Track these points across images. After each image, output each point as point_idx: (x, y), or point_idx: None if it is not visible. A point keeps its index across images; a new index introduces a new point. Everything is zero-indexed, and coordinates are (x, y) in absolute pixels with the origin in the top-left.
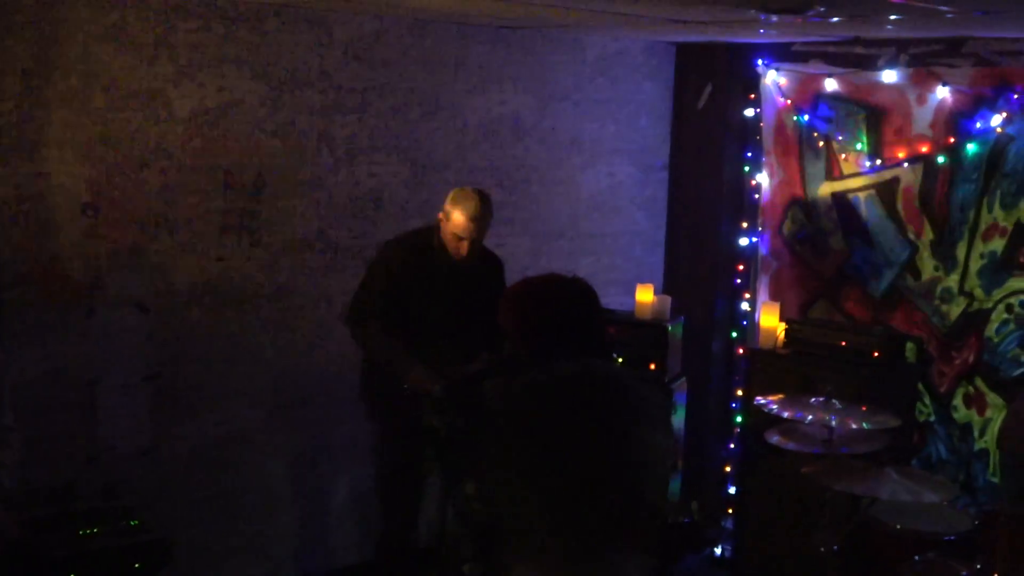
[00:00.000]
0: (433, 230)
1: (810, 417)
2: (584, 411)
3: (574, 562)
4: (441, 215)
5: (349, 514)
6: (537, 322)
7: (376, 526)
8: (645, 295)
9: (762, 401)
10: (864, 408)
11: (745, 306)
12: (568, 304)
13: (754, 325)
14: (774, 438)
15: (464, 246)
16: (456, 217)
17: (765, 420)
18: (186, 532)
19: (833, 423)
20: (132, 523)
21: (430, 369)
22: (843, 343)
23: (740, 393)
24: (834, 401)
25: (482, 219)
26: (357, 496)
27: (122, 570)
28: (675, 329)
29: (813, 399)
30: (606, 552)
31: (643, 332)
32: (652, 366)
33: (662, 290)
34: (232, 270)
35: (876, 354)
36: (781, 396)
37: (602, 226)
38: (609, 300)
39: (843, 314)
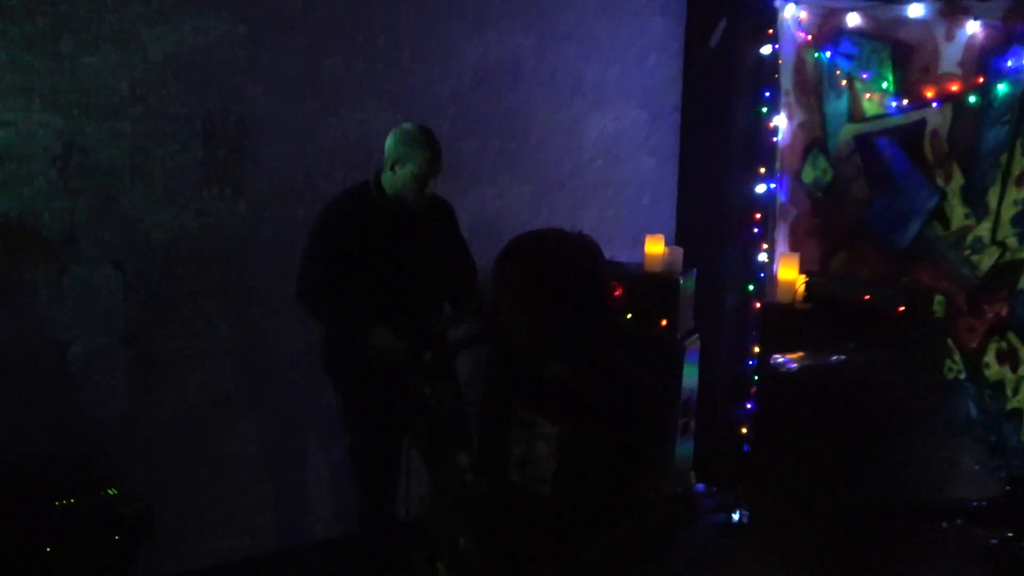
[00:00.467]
0: (369, 183)
1: None
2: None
3: None
4: (392, 160)
5: (336, 485)
6: (540, 285)
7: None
8: (655, 247)
9: (779, 359)
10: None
11: (762, 258)
12: (575, 266)
13: (771, 278)
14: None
15: (433, 184)
16: (420, 156)
17: (782, 379)
18: (166, 502)
19: None
20: (111, 492)
21: (395, 333)
22: (866, 297)
23: (756, 350)
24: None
25: (441, 154)
26: (344, 466)
27: (101, 543)
28: (687, 283)
29: (834, 357)
30: None
31: (653, 286)
32: (663, 322)
33: (673, 242)
34: (213, 224)
35: (901, 309)
36: (800, 354)
37: (607, 175)
38: (615, 254)
39: (866, 266)
